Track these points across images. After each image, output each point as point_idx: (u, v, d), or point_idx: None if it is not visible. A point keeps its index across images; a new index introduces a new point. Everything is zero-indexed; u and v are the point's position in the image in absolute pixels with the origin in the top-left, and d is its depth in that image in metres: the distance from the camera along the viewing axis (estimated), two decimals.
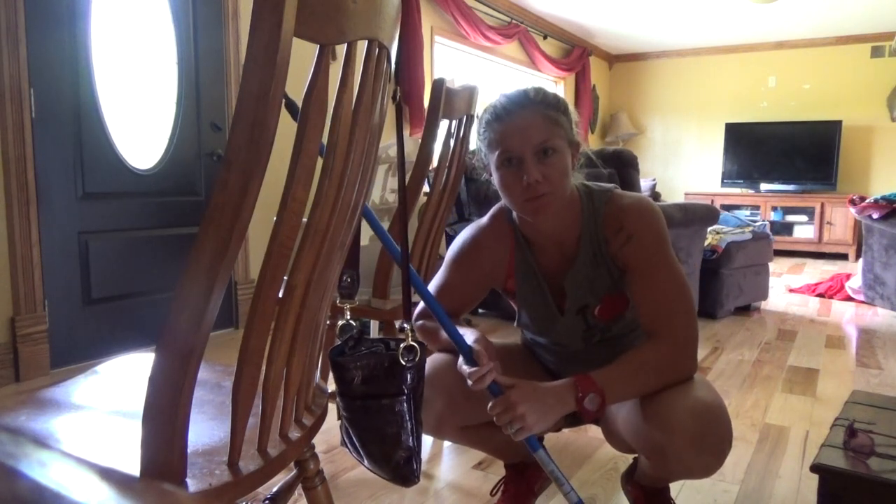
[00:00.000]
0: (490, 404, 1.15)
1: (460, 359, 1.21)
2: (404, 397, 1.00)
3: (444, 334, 1.32)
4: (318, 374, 1.05)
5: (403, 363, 0.99)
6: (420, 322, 1.41)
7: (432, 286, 1.41)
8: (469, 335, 1.23)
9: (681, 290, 1.22)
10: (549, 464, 1.20)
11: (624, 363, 1.18)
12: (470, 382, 1.16)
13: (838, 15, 6.21)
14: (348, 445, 1.08)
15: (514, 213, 1.34)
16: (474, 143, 1.41)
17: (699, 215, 3.49)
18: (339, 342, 1.07)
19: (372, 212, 1.31)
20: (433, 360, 1.34)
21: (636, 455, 1.41)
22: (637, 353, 1.19)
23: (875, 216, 4.07)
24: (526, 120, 1.18)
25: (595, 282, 1.30)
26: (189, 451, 0.74)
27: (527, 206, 1.21)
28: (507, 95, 1.23)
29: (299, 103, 0.70)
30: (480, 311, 3.91)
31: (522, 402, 1.12)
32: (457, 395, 1.28)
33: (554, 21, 6.63)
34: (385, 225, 2.68)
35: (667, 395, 1.15)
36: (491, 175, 1.27)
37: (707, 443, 1.11)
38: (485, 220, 1.40)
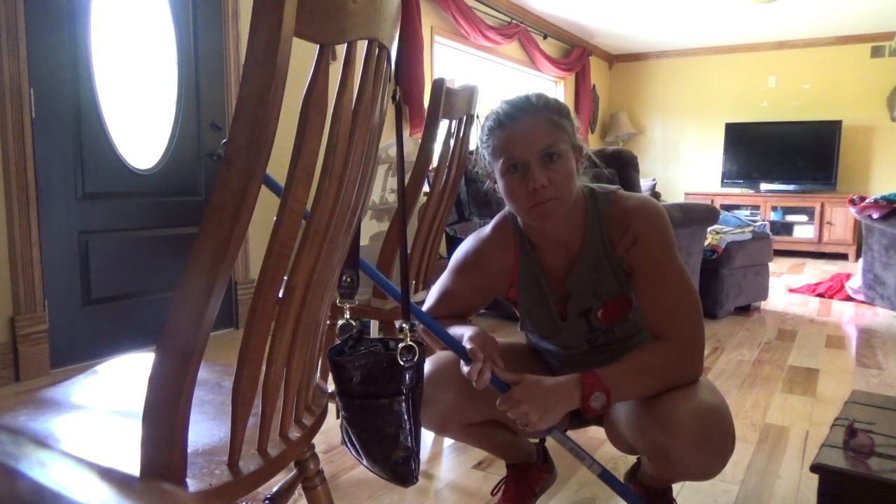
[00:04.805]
0: (498, 401, 1.15)
1: (461, 363, 1.21)
2: (403, 397, 1.00)
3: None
4: (318, 374, 1.05)
5: (402, 363, 0.99)
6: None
7: (434, 291, 1.42)
8: (466, 332, 1.23)
9: (688, 293, 1.22)
10: (567, 441, 1.21)
11: (630, 362, 1.17)
12: (473, 383, 1.17)
13: (838, 15, 6.21)
14: (348, 445, 1.08)
15: (520, 220, 1.34)
16: (474, 143, 1.40)
17: (699, 215, 3.49)
18: (339, 342, 1.07)
19: (369, 264, 1.33)
20: (438, 358, 1.34)
21: (639, 455, 1.41)
22: (644, 354, 1.19)
23: (875, 216, 4.07)
24: (529, 125, 1.17)
25: (599, 284, 1.30)
26: (189, 451, 0.74)
27: (533, 212, 1.20)
28: (509, 101, 1.22)
29: (298, 104, 0.70)
30: (481, 311, 3.92)
31: (526, 398, 1.12)
32: (462, 392, 1.29)
33: (554, 21, 6.63)
34: (385, 225, 2.68)
35: (670, 396, 1.15)
36: (495, 182, 1.26)
37: (709, 445, 1.11)
38: (487, 229, 1.39)
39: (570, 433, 2.02)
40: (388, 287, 1.34)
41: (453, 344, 1.22)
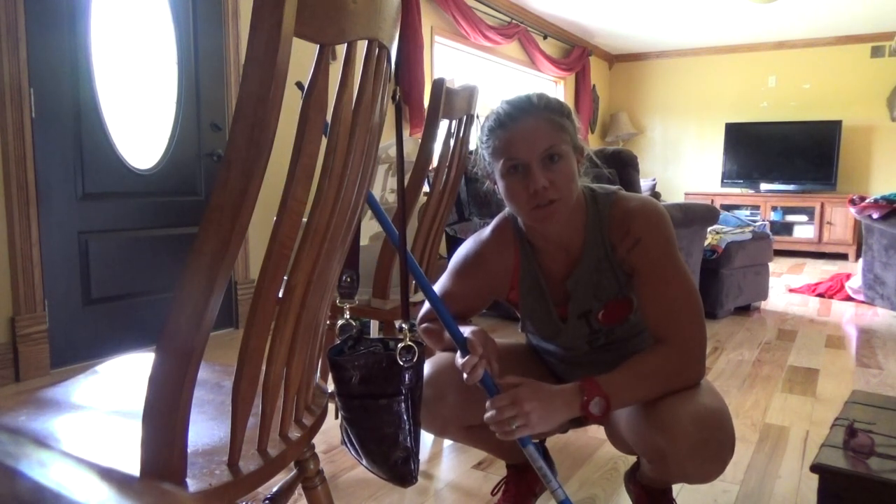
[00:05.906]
0: (491, 399, 1.13)
1: (458, 353, 1.20)
2: (402, 397, 1.00)
3: (448, 335, 1.32)
4: (318, 374, 1.05)
5: (401, 363, 0.99)
6: (424, 325, 1.40)
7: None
8: (467, 330, 1.22)
9: (689, 295, 1.20)
10: (538, 460, 1.19)
11: (630, 368, 1.16)
12: (465, 376, 1.16)
13: (838, 15, 6.21)
14: (347, 445, 1.08)
15: (520, 221, 1.33)
16: (474, 143, 1.40)
17: (699, 215, 3.49)
18: (339, 341, 1.07)
19: (375, 196, 1.30)
20: (438, 359, 1.34)
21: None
22: (644, 358, 1.18)
23: (875, 216, 4.07)
24: (531, 126, 1.16)
25: (600, 286, 1.29)
26: (189, 451, 0.74)
27: (535, 214, 1.19)
28: (510, 101, 1.21)
29: (298, 104, 0.70)
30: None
31: (529, 400, 1.11)
32: (462, 395, 1.28)
33: (554, 21, 6.63)
34: None
35: (670, 399, 1.14)
36: (495, 183, 1.25)
37: (708, 449, 1.11)
38: (487, 231, 1.38)
39: (571, 432, 2.02)
40: (388, 226, 1.32)
41: (453, 331, 1.20)
